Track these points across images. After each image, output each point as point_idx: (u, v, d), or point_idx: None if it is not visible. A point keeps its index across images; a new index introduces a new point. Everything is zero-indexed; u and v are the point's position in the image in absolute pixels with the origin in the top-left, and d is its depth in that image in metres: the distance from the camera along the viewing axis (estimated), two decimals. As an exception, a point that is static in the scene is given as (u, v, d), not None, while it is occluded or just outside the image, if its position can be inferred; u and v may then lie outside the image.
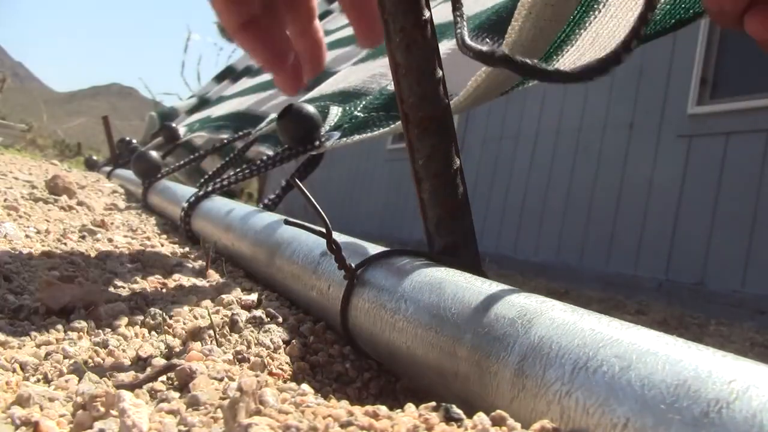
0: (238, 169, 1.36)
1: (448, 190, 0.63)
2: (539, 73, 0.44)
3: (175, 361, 0.48)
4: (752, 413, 0.26)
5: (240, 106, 2.31)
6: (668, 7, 0.67)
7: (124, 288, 0.79)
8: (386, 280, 0.55)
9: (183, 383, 0.45)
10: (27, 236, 0.98)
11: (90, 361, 0.51)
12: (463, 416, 0.35)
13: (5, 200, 1.28)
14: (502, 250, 4.82)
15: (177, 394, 0.43)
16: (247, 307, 0.74)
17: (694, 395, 0.28)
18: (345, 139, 1.14)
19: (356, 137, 1.11)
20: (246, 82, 2.88)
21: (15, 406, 0.39)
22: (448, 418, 0.35)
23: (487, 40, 0.98)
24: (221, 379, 0.46)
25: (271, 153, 1.59)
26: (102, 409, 0.38)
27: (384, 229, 6.18)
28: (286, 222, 0.63)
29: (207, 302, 0.74)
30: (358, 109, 1.17)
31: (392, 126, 1.04)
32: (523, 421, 0.35)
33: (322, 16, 3.11)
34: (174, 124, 2.73)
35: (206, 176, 1.64)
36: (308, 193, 0.59)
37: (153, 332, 0.63)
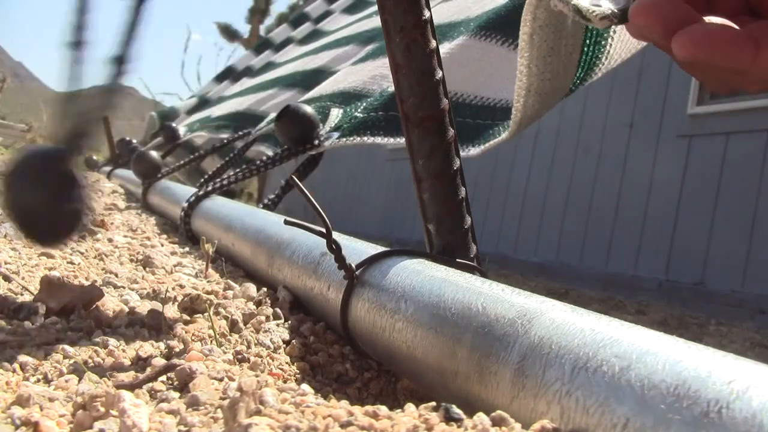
0: (238, 169, 1.36)
1: (448, 190, 0.63)
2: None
3: (175, 361, 0.48)
4: (752, 413, 0.26)
5: (240, 105, 2.31)
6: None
7: (124, 288, 0.79)
8: (386, 280, 0.55)
9: (183, 383, 0.45)
10: (27, 236, 0.97)
11: (90, 361, 0.51)
12: (463, 416, 0.35)
13: (5, 200, 1.28)
14: (502, 250, 4.82)
15: (177, 394, 0.43)
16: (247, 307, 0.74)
17: (694, 395, 0.28)
18: (344, 139, 1.14)
19: (356, 139, 1.11)
20: (246, 82, 2.89)
21: (15, 406, 0.39)
22: (448, 418, 0.35)
23: (491, 40, 0.98)
24: (221, 379, 0.46)
25: (271, 153, 1.59)
26: (102, 409, 0.38)
27: (384, 229, 6.18)
28: (286, 222, 0.63)
29: (207, 302, 0.74)
30: (359, 110, 1.18)
31: (393, 140, 1.04)
32: (523, 421, 0.35)
33: (321, 17, 3.11)
34: (174, 124, 2.73)
35: (206, 176, 1.64)
36: (308, 193, 0.59)
37: (153, 332, 0.63)
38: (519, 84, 0.64)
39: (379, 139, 1.07)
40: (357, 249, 0.65)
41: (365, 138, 1.10)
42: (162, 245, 1.18)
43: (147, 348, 0.54)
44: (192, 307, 0.72)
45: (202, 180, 1.60)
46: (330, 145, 1.18)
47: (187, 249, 1.19)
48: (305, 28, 3.11)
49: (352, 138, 1.12)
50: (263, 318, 0.69)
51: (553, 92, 0.66)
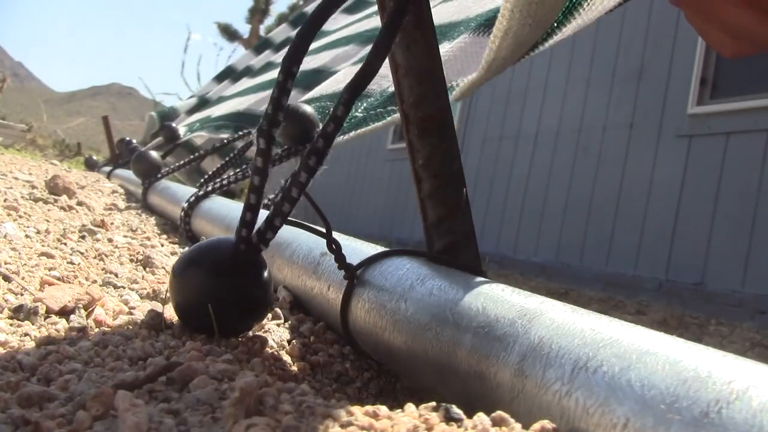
0: (238, 169, 1.36)
1: (448, 190, 0.63)
2: None
3: (175, 360, 0.48)
4: (752, 413, 0.26)
5: (240, 105, 2.31)
6: None
7: (124, 288, 0.79)
8: (386, 280, 0.55)
9: (183, 383, 0.45)
10: (27, 236, 0.98)
11: (90, 361, 0.51)
12: (463, 416, 0.35)
13: (5, 200, 1.28)
14: (502, 250, 4.82)
15: (177, 394, 0.43)
16: (247, 307, 0.74)
17: (694, 395, 0.28)
18: (343, 136, 1.14)
19: (353, 133, 1.11)
20: (246, 82, 2.88)
21: (15, 406, 0.39)
22: (448, 418, 0.35)
23: (489, 35, 0.99)
24: (221, 379, 0.46)
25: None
26: (102, 409, 0.38)
27: (384, 229, 6.18)
28: (286, 222, 0.63)
29: (207, 302, 0.74)
30: (359, 110, 1.18)
31: (388, 119, 1.04)
32: (523, 421, 0.35)
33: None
34: (174, 124, 2.73)
35: (206, 176, 1.64)
36: (308, 193, 0.59)
37: (153, 332, 0.63)
38: (498, 26, 0.64)
39: (375, 125, 1.08)
40: (357, 249, 0.65)
41: (363, 128, 1.10)
42: (162, 245, 1.18)
43: (147, 348, 0.54)
44: (192, 307, 0.72)
45: (202, 180, 1.60)
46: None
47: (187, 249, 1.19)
48: (305, 27, 3.10)
49: (350, 133, 1.13)
50: (263, 318, 0.69)
51: (530, 37, 0.66)
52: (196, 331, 0.60)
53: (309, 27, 0.57)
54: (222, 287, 0.57)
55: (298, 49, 0.57)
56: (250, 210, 0.58)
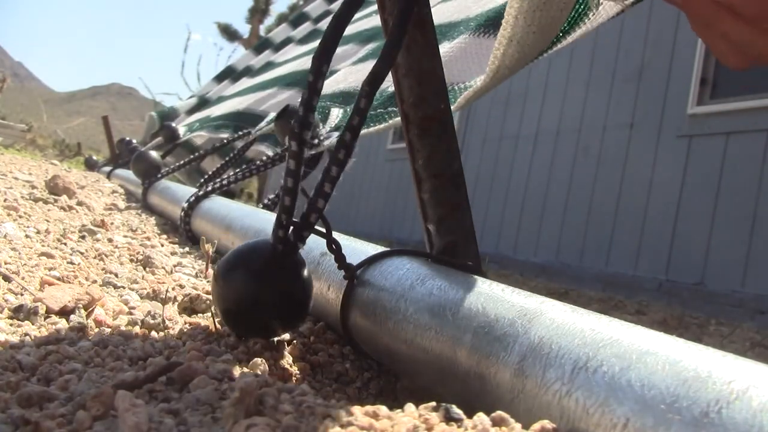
0: (238, 169, 1.36)
1: (448, 190, 0.63)
2: None
3: (175, 360, 0.48)
4: (752, 413, 0.26)
5: (239, 105, 2.31)
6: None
7: (124, 288, 0.79)
8: (386, 281, 0.55)
9: (183, 383, 0.45)
10: (27, 236, 0.98)
11: (90, 361, 0.51)
12: (463, 416, 0.35)
13: (5, 200, 1.28)
14: (502, 250, 4.82)
15: (177, 394, 0.43)
16: (247, 307, 0.74)
17: (694, 395, 0.28)
18: None
19: None
20: (246, 82, 2.88)
21: (15, 406, 0.39)
22: (448, 418, 0.35)
23: (490, 36, 0.99)
24: (221, 379, 0.46)
25: (271, 153, 1.59)
26: (102, 409, 0.38)
27: (384, 229, 6.18)
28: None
29: (207, 302, 0.74)
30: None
31: (390, 122, 1.04)
32: (523, 421, 0.35)
33: (321, 17, 3.11)
34: (174, 124, 2.73)
35: (206, 176, 1.64)
36: (308, 193, 0.59)
37: (153, 332, 0.63)
38: (502, 33, 0.64)
39: (377, 127, 1.08)
40: (357, 249, 0.65)
41: (365, 129, 1.10)
42: (162, 245, 1.18)
43: (147, 348, 0.54)
44: (192, 307, 0.72)
45: (202, 180, 1.60)
46: (330, 145, 1.18)
47: (187, 249, 1.19)
48: (305, 27, 3.10)
49: None
50: (263, 318, 0.69)
51: (535, 45, 0.66)
52: (245, 336, 0.59)
53: (337, 24, 0.57)
54: (264, 290, 0.56)
55: (327, 46, 0.57)
56: (285, 212, 0.57)
